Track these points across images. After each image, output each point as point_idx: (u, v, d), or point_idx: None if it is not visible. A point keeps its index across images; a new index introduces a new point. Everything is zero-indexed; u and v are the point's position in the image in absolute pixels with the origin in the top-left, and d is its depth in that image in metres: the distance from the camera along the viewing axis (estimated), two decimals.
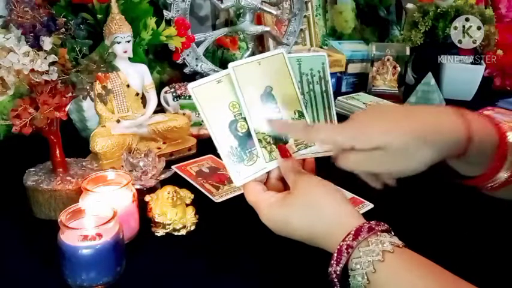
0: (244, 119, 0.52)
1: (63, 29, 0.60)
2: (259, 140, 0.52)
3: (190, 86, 0.51)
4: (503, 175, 0.47)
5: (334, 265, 0.43)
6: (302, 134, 0.51)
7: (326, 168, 0.64)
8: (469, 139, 0.45)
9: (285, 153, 0.53)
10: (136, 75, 0.82)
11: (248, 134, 0.52)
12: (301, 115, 0.55)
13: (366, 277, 0.41)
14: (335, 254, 0.43)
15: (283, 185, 0.53)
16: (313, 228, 0.47)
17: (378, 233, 0.43)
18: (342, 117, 0.61)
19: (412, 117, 0.46)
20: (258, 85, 0.53)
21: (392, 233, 0.45)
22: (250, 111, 0.52)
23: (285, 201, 0.49)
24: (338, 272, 0.43)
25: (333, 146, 0.49)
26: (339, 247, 0.43)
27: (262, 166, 0.53)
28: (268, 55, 0.55)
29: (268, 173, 0.54)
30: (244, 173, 0.52)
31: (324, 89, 0.57)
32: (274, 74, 0.54)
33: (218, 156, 0.85)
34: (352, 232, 0.43)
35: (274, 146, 0.53)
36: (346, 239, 0.43)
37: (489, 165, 0.48)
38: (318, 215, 0.47)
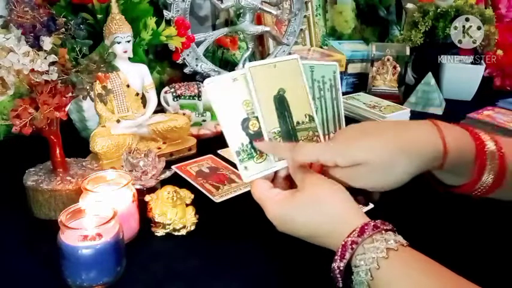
0: (257, 118, 0.53)
1: (63, 29, 0.60)
2: (270, 140, 0.53)
3: (206, 82, 0.53)
4: (487, 180, 0.49)
5: (338, 261, 0.43)
6: (286, 153, 0.52)
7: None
8: (446, 151, 0.47)
9: None
10: (137, 75, 0.82)
11: (259, 133, 0.53)
12: (311, 119, 0.57)
13: (369, 273, 0.41)
14: (339, 250, 0.44)
15: (290, 185, 0.54)
16: (318, 226, 0.47)
17: (383, 231, 0.44)
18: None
19: (392, 133, 0.48)
20: (272, 86, 0.55)
21: (397, 233, 0.45)
22: (262, 110, 0.53)
23: (291, 198, 0.49)
24: (341, 268, 0.43)
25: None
26: (343, 243, 0.44)
27: (271, 165, 0.54)
28: (284, 59, 0.56)
29: (276, 172, 0.54)
30: (252, 169, 0.53)
31: (334, 96, 0.59)
32: (287, 77, 0.56)
33: (218, 156, 0.86)
34: (358, 229, 0.44)
35: None
36: (351, 235, 0.44)
37: (471, 175, 0.49)
38: (324, 213, 0.47)
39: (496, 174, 0.49)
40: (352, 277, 0.43)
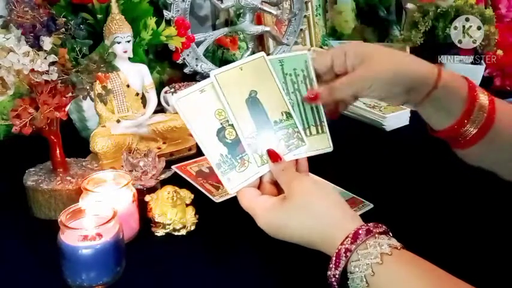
0: (232, 125, 0.52)
1: (63, 29, 0.60)
2: (249, 145, 0.52)
3: (174, 99, 0.51)
4: (470, 130, 0.51)
5: (333, 269, 0.43)
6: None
7: (326, 168, 0.64)
8: (440, 75, 0.51)
9: (275, 157, 0.52)
10: (137, 75, 0.82)
11: (237, 141, 0.52)
12: (288, 116, 0.55)
13: (364, 280, 0.41)
14: (333, 258, 0.43)
15: (277, 188, 0.53)
16: (310, 232, 0.47)
17: (376, 235, 0.43)
18: (343, 117, 0.61)
19: (393, 57, 0.53)
20: (242, 90, 0.53)
21: (391, 235, 0.45)
22: (236, 117, 0.52)
23: (281, 205, 0.49)
24: (337, 276, 0.43)
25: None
26: (337, 251, 0.43)
27: (255, 171, 0.52)
28: (249, 60, 0.54)
29: (261, 177, 0.53)
30: (236, 180, 0.51)
31: (309, 87, 0.56)
32: (257, 77, 0.54)
33: None
34: (350, 235, 0.43)
35: (264, 150, 0.53)
36: (345, 242, 0.43)
37: (456, 118, 0.52)
38: (315, 219, 0.47)
39: (481, 126, 0.51)
40: (348, 283, 0.43)
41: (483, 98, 0.51)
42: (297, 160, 0.55)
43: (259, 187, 0.53)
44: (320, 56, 0.57)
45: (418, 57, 0.54)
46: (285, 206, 0.48)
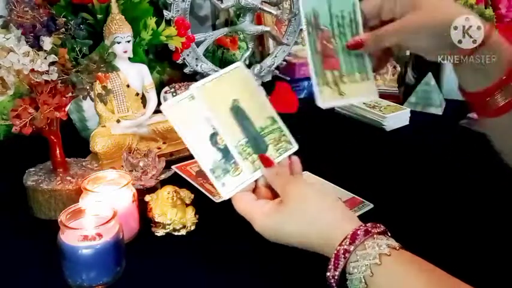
0: None
1: (63, 29, 0.60)
2: (239, 153, 0.52)
3: (163, 107, 0.52)
4: (502, 98, 0.49)
5: (332, 270, 0.43)
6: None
7: (326, 168, 0.64)
8: (489, 35, 0.49)
9: (267, 162, 0.52)
10: (137, 75, 0.82)
11: (227, 147, 0.52)
12: (273, 121, 0.55)
13: (363, 281, 0.41)
14: (332, 259, 0.43)
15: (272, 192, 0.53)
16: (308, 235, 0.47)
17: (375, 236, 0.43)
18: (343, 117, 0.61)
19: (444, 7, 0.51)
20: (225, 100, 0.53)
21: (389, 235, 0.45)
22: (222, 126, 0.51)
23: (277, 210, 0.49)
24: (336, 277, 0.43)
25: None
26: (336, 252, 0.43)
27: (249, 175, 0.52)
28: (227, 70, 0.54)
29: (256, 181, 0.53)
30: (231, 184, 0.51)
31: (355, 32, 0.55)
32: (237, 86, 0.54)
33: None
34: (349, 236, 0.43)
35: (256, 156, 0.52)
36: (343, 243, 0.43)
37: (491, 83, 0.49)
38: (312, 222, 0.47)
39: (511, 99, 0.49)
40: (347, 284, 0.43)
41: None
42: (290, 161, 0.55)
43: (254, 191, 0.53)
44: None
45: (472, 11, 0.51)
46: (281, 211, 0.48)
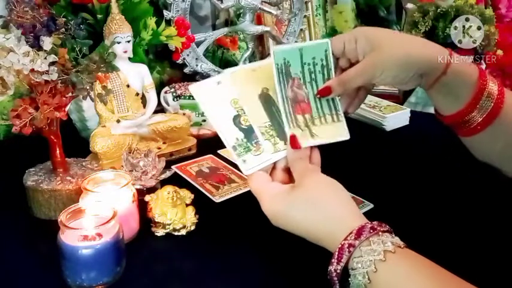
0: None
1: (63, 29, 0.60)
2: (262, 133, 0.54)
3: (192, 87, 0.54)
4: (476, 117, 0.52)
5: (335, 264, 0.43)
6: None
7: (326, 168, 0.64)
8: (449, 63, 0.51)
9: (294, 143, 0.52)
10: (137, 75, 0.82)
11: (252, 127, 0.54)
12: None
13: (366, 276, 0.41)
14: (336, 253, 0.43)
15: (289, 177, 0.53)
16: (315, 225, 0.47)
17: (380, 233, 0.43)
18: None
19: (403, 42, 0.53)
20: (255, 86, 0.55)
21: (394, 234, 0.45)
22: (249, 106, 0.54)
23: (289, 193, 0.49)
24: (338, 271, 0.43)
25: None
26: (340, 246, 0.43)
27: (268, 157, 0.53)
28: (263, 64, 0.57)
29: (275, 163, 0.54)
30: (251, 162, 0.53)
31: (326, 77, 0.56)
32: (269, 79, 0.55)
33: (218, 156, 0.86)
34: (355, 231, 0.43)
35: (278, 138, 0.54)
36: (348, 237, 0.43)
37: (463, 104, 0.52)
38: (321, 212, 0.47)
39: (487, 114, 0.51)
40: (350, 280, 0.43)
41: (493, 86, 0.51)
42: (311, 153, 0.54)
43: (271, 173, 0.54)
44: (335, 40, 0.56)
45: (430, 41, 0.53)
46: (293, 195, 0.49)
